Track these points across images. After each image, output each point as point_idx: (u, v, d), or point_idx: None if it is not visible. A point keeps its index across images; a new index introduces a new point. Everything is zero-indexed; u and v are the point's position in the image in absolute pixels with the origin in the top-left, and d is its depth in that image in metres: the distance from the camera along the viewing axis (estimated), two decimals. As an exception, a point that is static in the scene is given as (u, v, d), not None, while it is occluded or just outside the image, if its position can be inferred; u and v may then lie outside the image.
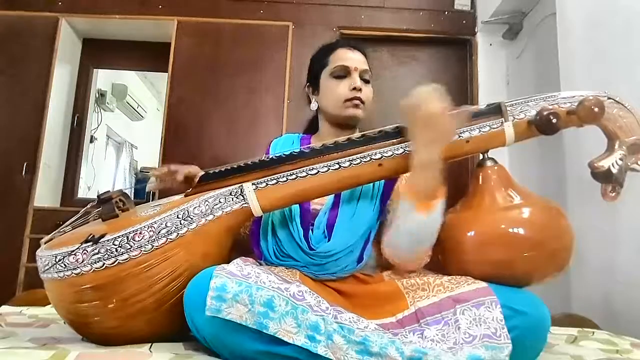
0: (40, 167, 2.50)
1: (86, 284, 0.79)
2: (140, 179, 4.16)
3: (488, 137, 0.89)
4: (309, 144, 1.08)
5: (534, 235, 0.83)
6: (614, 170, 0.86)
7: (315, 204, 1.02)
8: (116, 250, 0.80)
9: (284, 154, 0.92)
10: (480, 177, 0.91)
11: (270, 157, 0.92)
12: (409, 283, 0.91)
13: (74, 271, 0.80)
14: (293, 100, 2.56)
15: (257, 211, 0.90)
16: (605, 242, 1.51)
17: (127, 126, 4.16)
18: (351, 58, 1.12)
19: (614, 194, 0.87)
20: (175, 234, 0.84)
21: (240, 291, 0.72)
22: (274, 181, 0.90)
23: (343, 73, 1.10)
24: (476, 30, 2.77)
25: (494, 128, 0.89)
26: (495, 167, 0.91)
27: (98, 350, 0.77)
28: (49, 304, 1.19)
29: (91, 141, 3.15)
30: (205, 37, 2.67)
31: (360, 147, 0.91)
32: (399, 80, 2.77)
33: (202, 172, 0.96)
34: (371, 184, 1.00)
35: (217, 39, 2.67)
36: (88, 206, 0.98)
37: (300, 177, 0.90)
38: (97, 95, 3.19)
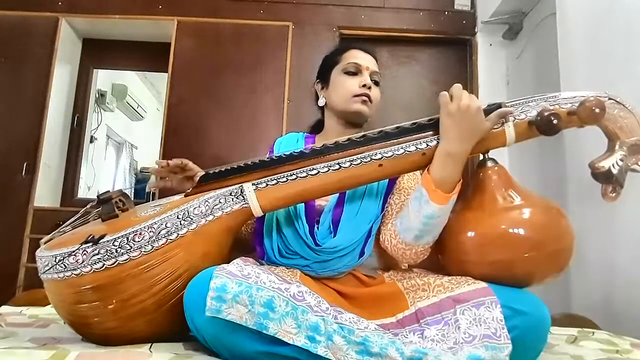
0: (40, 167, 2.50)
1: (86, 284, 0.79)
2: (140, 179, 4.16)
3: (489, 138, 0.89)
4: (314, 143, 1.08)
5: (535, 235, 0.83)
6: (615, 171, 0.86)
7: (320, 201, 1.02)
8: (116, 251, 0.80)
9: (284, 154, 0.92)
10: (481, 177, 0.91)
11: (270, 157, 0.92)
12: (409, 284, 0.91)
13: (74, 272, 0.80)
14: (293, 100, 2.56)
15: (257, 211, 0.90)
16: (605, 242, 1.51)
17: (127, 126, 4.17)
18: (364, 58, 1.14)
19: (614, 194, 0.87)
20: (175, 234, 0.84)
21: (241, 291, 0.72)
22: (274, 181, 0.90)
23: (354, 70, 1.12)
24: (476, 30, 2.77)
25: (494, 128, 0.89)
26: (496, 168, 0.91)
27: (98, 351, 0.77)
28: (49, 304, 1.19)
29: (91, 141, 3.15)
30: (205, 37, 2.67)
31: (360, 147, 0.91)
32: (399, 80, 2.77)
33: (202, 173, 0.96)
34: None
35: (217, 39, 2.67)
36: (88, 206, 0.98)
37: (300, 177, 0.90)
38: (97, 95, 3.19)
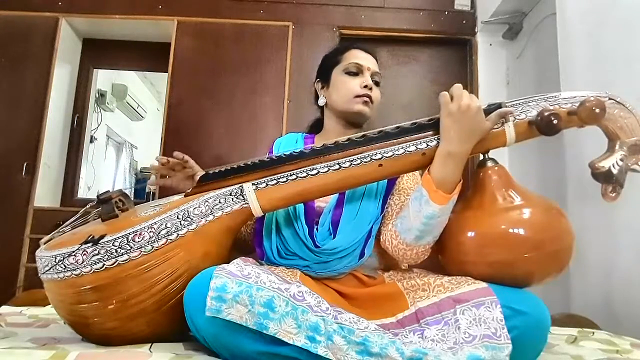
0: (40, 167, 2.50)
1: (86, 284, 0.79)
2: (140, 179, 4.17)
3: (489, 137, 0.89)
4: (313, 143, 1.08)
5: (535, 235, 0.82)
6: (615, 171, 0.86)
7: (319, 202, 1.02)
8: (116, 251, 0.80)
9: (284, 154, 0.92)
10: (481, 177, 0.91)
11: (270, 157, 0.92)
12: (409, 284, 0.91)
13: (74, 272, 0.80)
14: (293, 100, 2.56)
15: (257, 211, 0.90)
16: (605, 242, 1.51)
17: (127, 126, 4.17)
18: (365, 58, 1.14)
19: (614, 194, 0.87)
20: (175, 234, 0.84)
21: (241, 291, 0.72)
22: (274, 181, 0.90)
23: (356, 70, 1.12)
24: (476, 30, 2.76)
25: (495, 128, 0.89)
26: (496, 168, 0.91)
27: (98, 351, 0.77)
28: (49, 304, 1.19)
29: (91, 141, 3.15)
30: (205, 37, 2.67)
31: (360, 147, 0.91)
32: (399, 80, 2.77)
33: (202, 173, 0.95)
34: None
35: (217, 39, 2.67)
36: (88, 206, 0.98)
37: (300, 177, 0.90)
38: (97, 95, 3.19)
